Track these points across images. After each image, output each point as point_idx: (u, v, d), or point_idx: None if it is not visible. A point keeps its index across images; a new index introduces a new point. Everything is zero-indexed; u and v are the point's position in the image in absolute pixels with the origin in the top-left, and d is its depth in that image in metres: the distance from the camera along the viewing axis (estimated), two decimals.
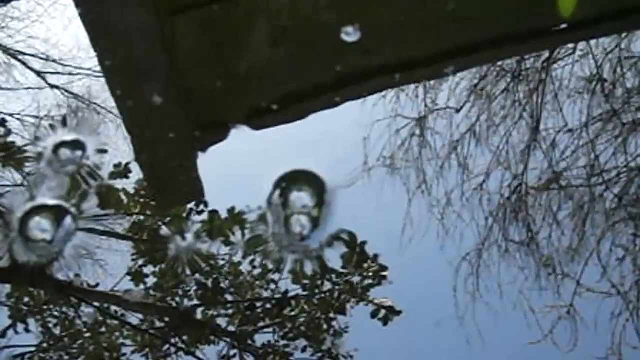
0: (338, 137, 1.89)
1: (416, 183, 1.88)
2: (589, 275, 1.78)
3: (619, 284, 1.77)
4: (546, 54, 2.07)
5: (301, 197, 1.72)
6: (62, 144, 1.75)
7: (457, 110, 1.99)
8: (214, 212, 1.73)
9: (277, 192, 1.72)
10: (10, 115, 1.95)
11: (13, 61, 2.06)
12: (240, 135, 1.82)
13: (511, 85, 2.05)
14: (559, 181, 1.91)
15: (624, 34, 2.07)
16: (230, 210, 1.74)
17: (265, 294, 1.69)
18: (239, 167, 1.83)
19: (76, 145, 1.75)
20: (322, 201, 1.73)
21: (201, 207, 1.74)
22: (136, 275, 1.69)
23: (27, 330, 1.69)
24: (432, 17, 1.89)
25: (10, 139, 1.86)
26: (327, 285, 1.71)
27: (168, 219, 1.73)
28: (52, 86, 1.97)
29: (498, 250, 1.84)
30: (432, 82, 1.99)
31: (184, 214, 1.72)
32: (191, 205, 1.73)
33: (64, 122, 1.85)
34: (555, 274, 1.80)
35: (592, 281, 1.77)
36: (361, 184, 1.84)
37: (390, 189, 1.86)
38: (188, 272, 1.69)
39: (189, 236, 1.72)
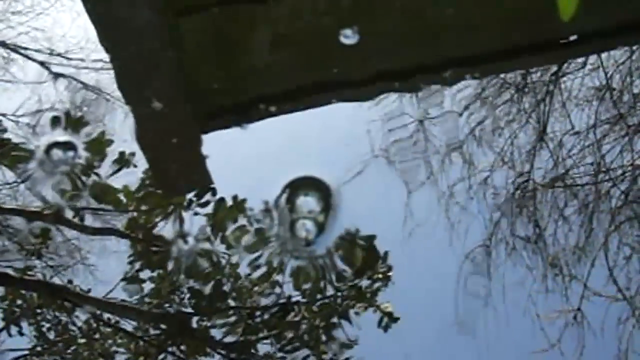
0: (335, 134, 1.90)
1: (418, 177, 1.87)
2: (595, 278, 1.75)
3: (624, 288, 1.73)
4: (554, 67, 2.06)
5: (306, 202, 1.71)
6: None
7: (460, 114, 1.97)
8: (221, 200, 1.70)
9: (281, 195, 1.73)
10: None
11: (15, 55, 2.06)
12: (240, 131, 1.85)
13: (516, 97, 2.04)
14: (565, 180, 1.90)
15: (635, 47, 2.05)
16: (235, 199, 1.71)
17: (267, 300, 1.62)
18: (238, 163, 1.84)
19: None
20: (328, 204, 1.73)
21: (209, 195, 1.70)
22: (132, 281, 1.62)
23: (20, 333, 1.63)
24: (434, 26, 1.91)
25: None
26: (331, 291, 1.65)
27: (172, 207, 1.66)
28: (57, 75, 1.97)
29: (505, 246, 1.80)
30: (432, 88, 1.96)
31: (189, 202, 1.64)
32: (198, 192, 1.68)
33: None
34: (563, 276, 1.76)
35: (599, 285, 1.73)
36: (361, 179, 1.83)
37: (391, 182, 1.85)
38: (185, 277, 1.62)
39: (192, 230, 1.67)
